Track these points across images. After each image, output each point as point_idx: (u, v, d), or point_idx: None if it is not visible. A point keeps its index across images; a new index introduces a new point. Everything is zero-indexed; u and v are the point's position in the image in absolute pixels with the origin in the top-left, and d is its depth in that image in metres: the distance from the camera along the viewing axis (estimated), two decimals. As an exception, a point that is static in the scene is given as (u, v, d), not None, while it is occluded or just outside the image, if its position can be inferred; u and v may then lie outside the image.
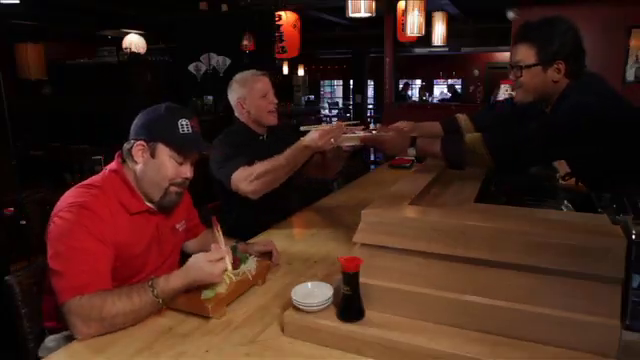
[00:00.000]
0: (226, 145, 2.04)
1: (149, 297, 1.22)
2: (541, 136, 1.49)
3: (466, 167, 1.60)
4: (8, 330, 1.39)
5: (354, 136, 1.74)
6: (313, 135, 1.72)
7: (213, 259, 1.28)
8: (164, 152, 1.38)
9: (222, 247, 1.35)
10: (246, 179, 1.84)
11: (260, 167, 1.83)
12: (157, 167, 1.39)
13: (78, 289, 1.18)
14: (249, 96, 2.13)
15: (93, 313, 1.15)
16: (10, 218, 3.30)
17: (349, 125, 1.80)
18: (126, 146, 1.42)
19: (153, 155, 1.38)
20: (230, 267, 1.34)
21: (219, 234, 1.42)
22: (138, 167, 1.40)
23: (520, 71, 1.56)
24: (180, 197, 1.48)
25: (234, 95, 2.16)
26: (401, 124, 1.82)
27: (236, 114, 2.19)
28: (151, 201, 1.44)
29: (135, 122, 1.43)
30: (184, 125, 1.39)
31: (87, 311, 1.16)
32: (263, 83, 2.14)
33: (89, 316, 1.16)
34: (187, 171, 1.43)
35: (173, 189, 1.43)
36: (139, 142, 1.38)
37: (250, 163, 1.90)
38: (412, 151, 1.62)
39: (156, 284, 1.23)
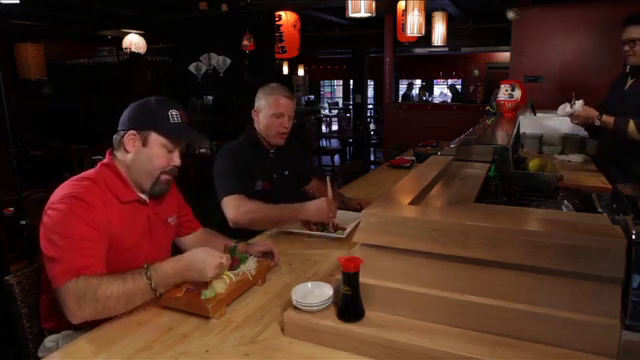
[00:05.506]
0: (230, 158, 2.05)
1: (142, 279, 1.24)
2: None
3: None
4: (8, 330, 1.40)
5: None
6: (320, 205, 1.79)
7: (219, 255, 1.31)
8: (156, 140, 1.42)
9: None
10: (236, 208, 1.87)
11: (254, 205, 1.86)
12: (149, 155, 1.42)
13: (75, 271, 1.19)
14: (265, 110, 2.12)
15: (89, 293, 1.16)
16: (10, 218, 3.29)
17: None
18: (116, 137, 1.45)
19: (145, 144, 1.42)
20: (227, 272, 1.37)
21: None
22: (129, 156, 1.43)
23: (634, 43, 2.52)
24: (170, 185, 1.51)
25: (255, 103, 2.16)
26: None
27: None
28: (142, 191, 1.47)
29: (125, 114, 1.46)
30: (174, 115, 1.44)
31: (83, 290, 1.16)
32: (284, 104, 2.10)
33: (84, 296, 1.16)
34: (177, 159, 1.47)
35: (164, 177, 1.47)
36: (130, 132, 1.41)
37: (245, 184, 1.96)
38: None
39: (150, 267, 1.26)
